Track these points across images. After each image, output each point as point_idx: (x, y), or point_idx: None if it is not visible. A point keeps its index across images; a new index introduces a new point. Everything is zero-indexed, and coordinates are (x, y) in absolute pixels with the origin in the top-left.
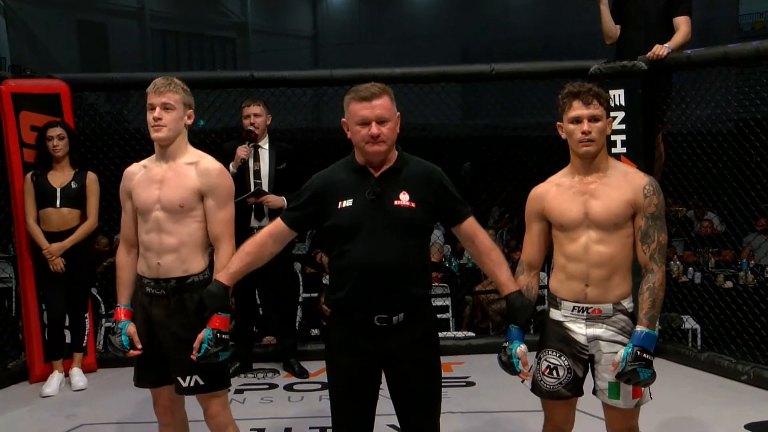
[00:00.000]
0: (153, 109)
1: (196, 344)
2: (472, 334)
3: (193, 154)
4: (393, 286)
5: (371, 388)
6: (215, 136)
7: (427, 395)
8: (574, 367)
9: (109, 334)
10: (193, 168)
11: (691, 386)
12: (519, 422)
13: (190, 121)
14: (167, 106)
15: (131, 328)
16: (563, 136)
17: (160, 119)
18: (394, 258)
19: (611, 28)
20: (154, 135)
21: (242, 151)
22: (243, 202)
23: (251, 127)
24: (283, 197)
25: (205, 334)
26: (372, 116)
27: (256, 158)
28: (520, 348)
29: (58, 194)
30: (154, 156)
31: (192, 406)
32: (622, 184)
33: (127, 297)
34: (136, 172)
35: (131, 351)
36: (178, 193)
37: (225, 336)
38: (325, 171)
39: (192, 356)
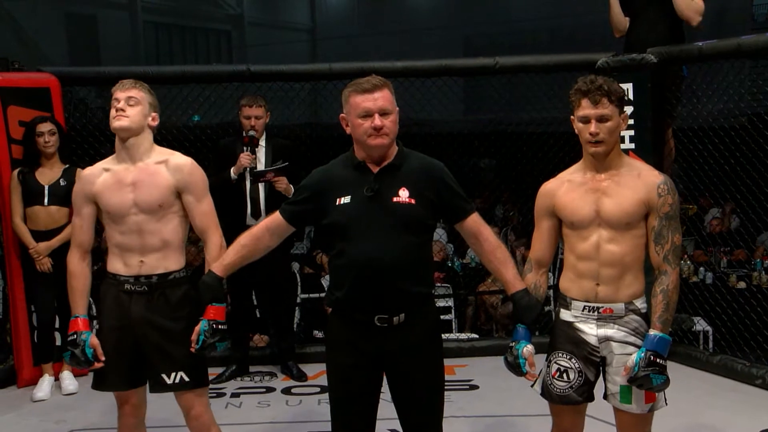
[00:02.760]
0: (117, 101)
1: (193, 336)
2: (476, 335)
3: (160, 152)
4: (392, 285)
5: (372, 390)
6: (211, 132)
7: (429, 398)
8: (585, 370)
9: (70, 347)
10: (164, 166)
11: (703, 390)
12: (523, 426)
13: (154, 123)
14: (132, 102)
15: (95, 340)
16: (576, 131)
17: (123, 110)
18: (393, 256)
19: (620, 20)
20: (115, 124)
21: (245, 159)
22: (259, 174)
23: (252, 132)
24: (292, 187)
25: (201, 325)
26: (375, 108)
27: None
28: (527, 348)
29: (47, 192)
30: (112, 158)
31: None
32: (636, 183)
33: (84, 306)
34: (96, 174)
35: (96, 363)
36: (155, 193)
37: (222, 326)
38: (323, 167)
39: (191, 349)
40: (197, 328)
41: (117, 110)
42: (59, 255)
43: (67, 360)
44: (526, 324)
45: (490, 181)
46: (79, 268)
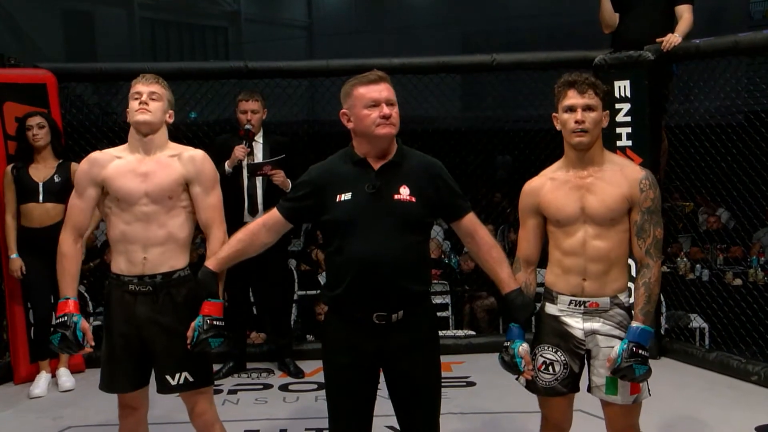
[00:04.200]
0: (140, 95)
1: (189, 333)
2: (473, 332)
3: (175, 147)
4: (392, 283)
5: (369, 387)
6: (208, 129)
7: (426, 395)
8: (570, 362)
9: (60, 329)
10: (176, 159)
11: (699, 387)
12: (520, 423)
13: (170, 120)
14: (154, 96)
15: (85, 324)
16: (558, 127)
17: (146, 104)
18: (394, 253)
19: (611, 16)
20: (138, 117)
21: (239, 151)
22: (255, 167)
23: (248, 126)
24: (290, 181)
25: (196, 321)
26: (381, 98)
27: (250, 152)
28: (523, 347)
29: (41, 189)
30: (124, 147)
31: (177, 407)
32: (618, 178)
33: (74, 289)
34: (107, 160)
35: (86, 348)
36: (166, 184)
37: (217, 322)
38: (322, 163)
39: (188, 345)
40: (192, 324)
41: (140, 103)
42: (54, 252)
43: (55, 342)
44: (520, 323)
45: (506, 177)
46: (72, 250)
